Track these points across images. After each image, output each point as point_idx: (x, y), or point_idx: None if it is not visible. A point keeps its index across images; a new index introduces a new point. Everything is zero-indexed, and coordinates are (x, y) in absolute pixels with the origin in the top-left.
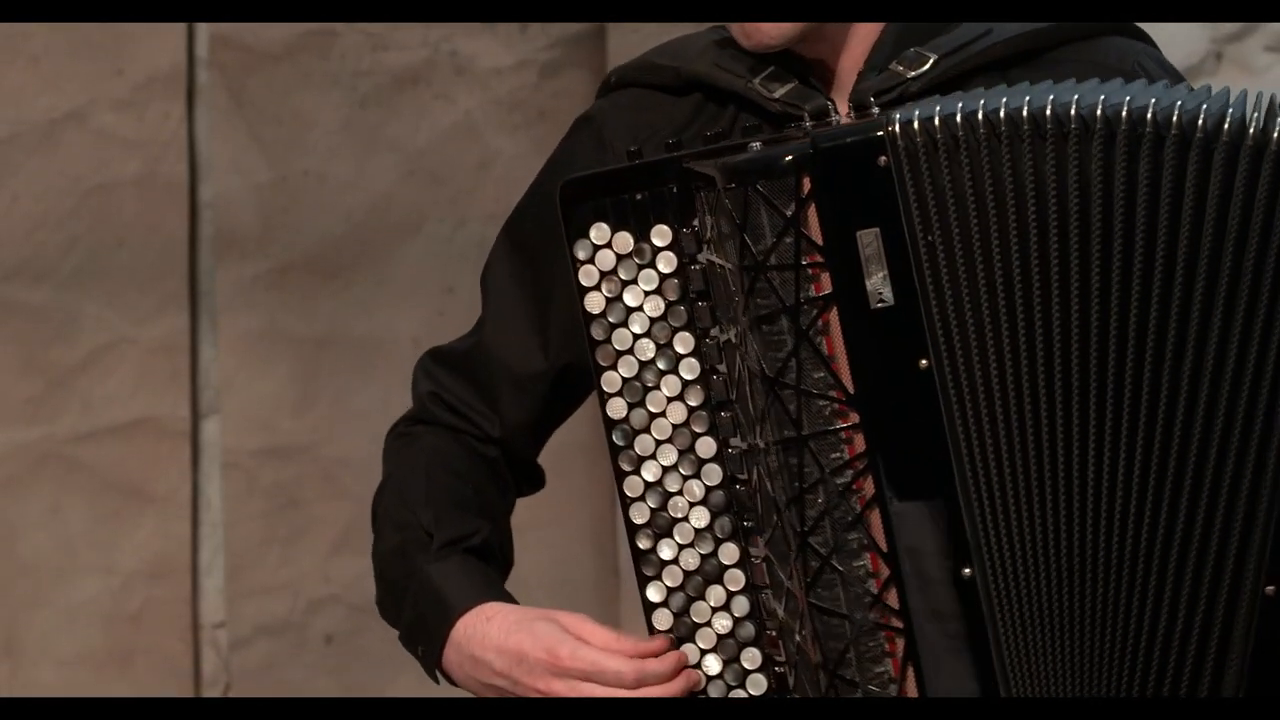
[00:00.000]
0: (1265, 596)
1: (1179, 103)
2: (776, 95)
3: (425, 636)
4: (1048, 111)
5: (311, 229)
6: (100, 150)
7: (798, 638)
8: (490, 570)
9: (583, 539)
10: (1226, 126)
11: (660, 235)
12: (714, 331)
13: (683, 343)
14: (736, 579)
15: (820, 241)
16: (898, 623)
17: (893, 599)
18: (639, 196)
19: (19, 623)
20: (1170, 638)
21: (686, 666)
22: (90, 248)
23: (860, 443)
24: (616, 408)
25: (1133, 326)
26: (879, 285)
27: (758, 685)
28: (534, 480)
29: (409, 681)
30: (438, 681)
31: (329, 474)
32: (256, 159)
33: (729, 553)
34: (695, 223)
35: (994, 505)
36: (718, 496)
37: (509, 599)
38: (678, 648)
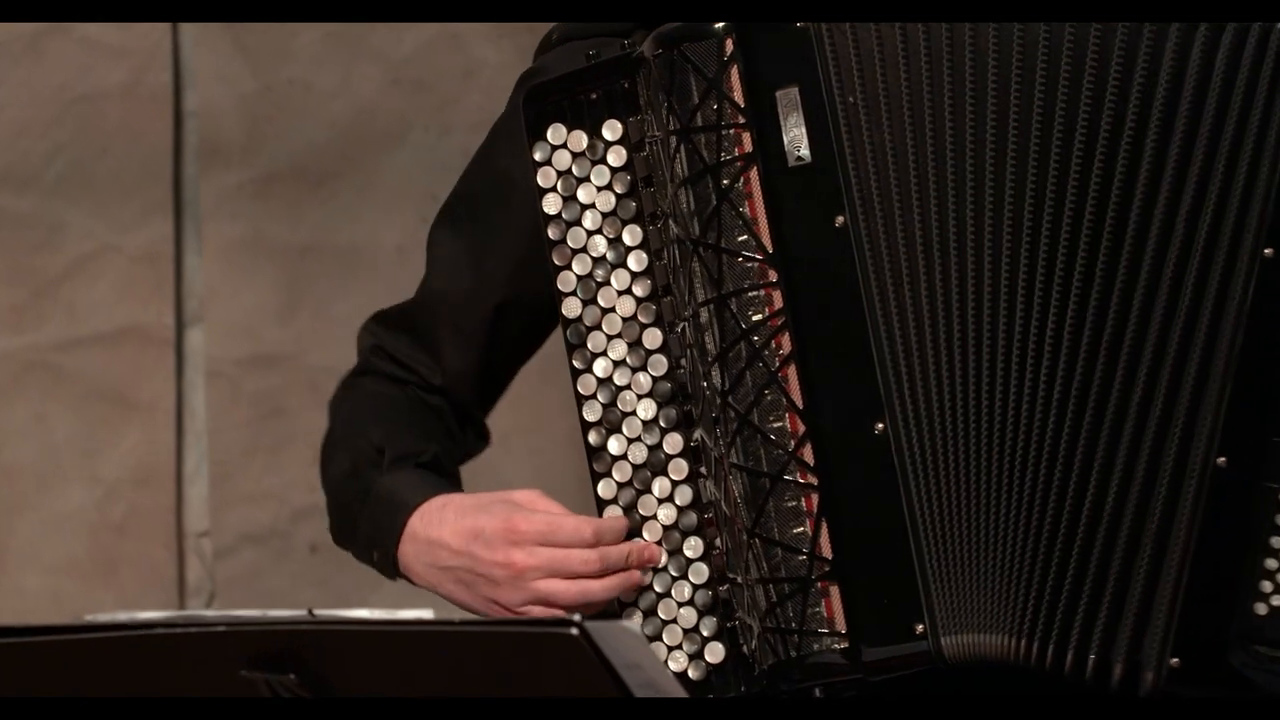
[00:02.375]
0: (1217, 467)
1: None
2: None
3: (380, 539)
4: None
5: (296, 138)
6: (85, 59)
7: (726, 507)
8: (443, 480)
9: (565, 447)
10: None
11: (611, 130)
12: (657, 214)
13: (631, 235)
14: (680, 468)
15: (742, 102)
16: (812, 479)
17: (808, 455)
18: (593, 96)
19: (3, 531)
20: (1082, 498)
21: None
22: (75, 156)
23: (779, 300)
24: (571, 306)
25: (1050, 187)
26: (796, 143)
27: (699, 574)
28: (480, 435)
29: (393, 590)
30: (394, 578)
31: (313, 382)
32: (241, 68)
33: (673, 442)
34: (641, 112)
35: (909, 362)
36: (663, 386)
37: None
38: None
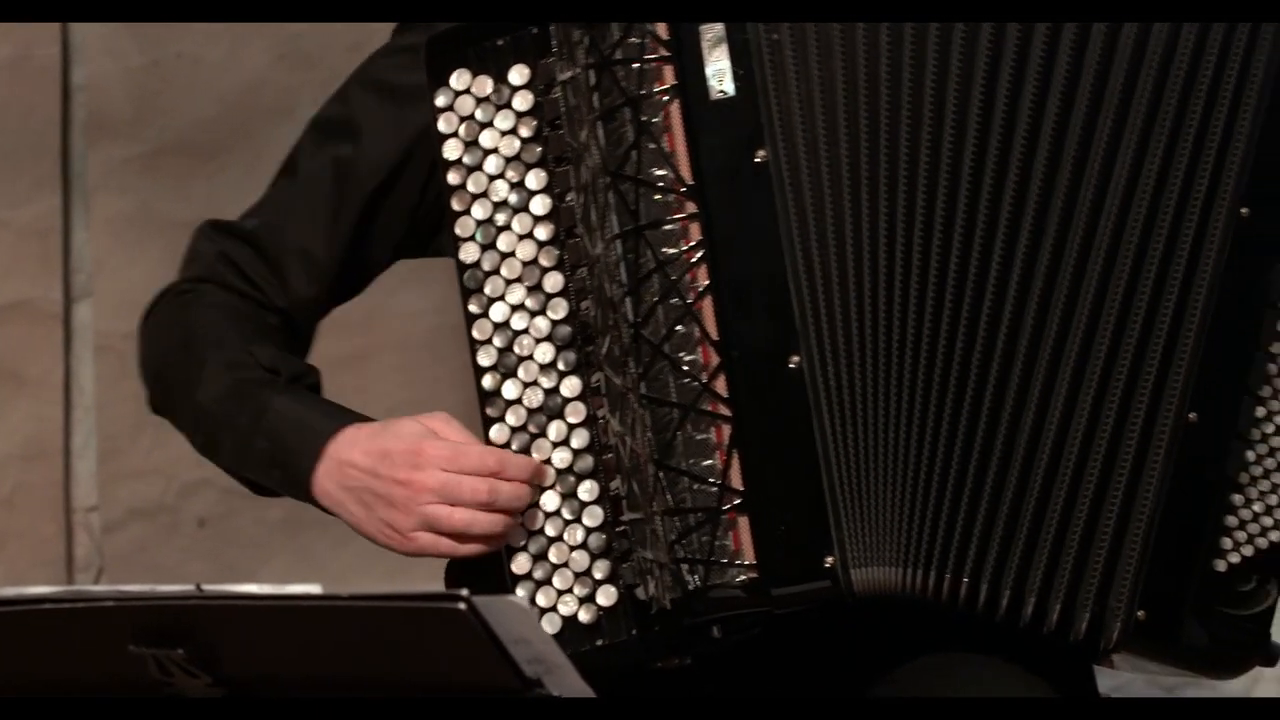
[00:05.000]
0: (1188, 422)
1: None
2: None
3: (287, 459)
4: None
5: (184, 112)
6: None
7: (631, 440)
8: (340, 406)
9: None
10: None
11: (519, 74)
12: (567, 155)
13: (536, 178)
14: (578, 411)
15: (665, 36)
16: (725, 410)
17: (721, 387)
18: (500, 42)
19: None
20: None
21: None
22: None
23: (696, 233)
24: (469, 251)
25: (998, 128)
26: (719, 76)
27: (594, 517)
28: (304, 355)
29: (282, 565)
30: (300, 497)
31: None
32: (129, 42)
33: (571, 386)
34: (553, 54)
35: (828, 297)
36: (563, 330)
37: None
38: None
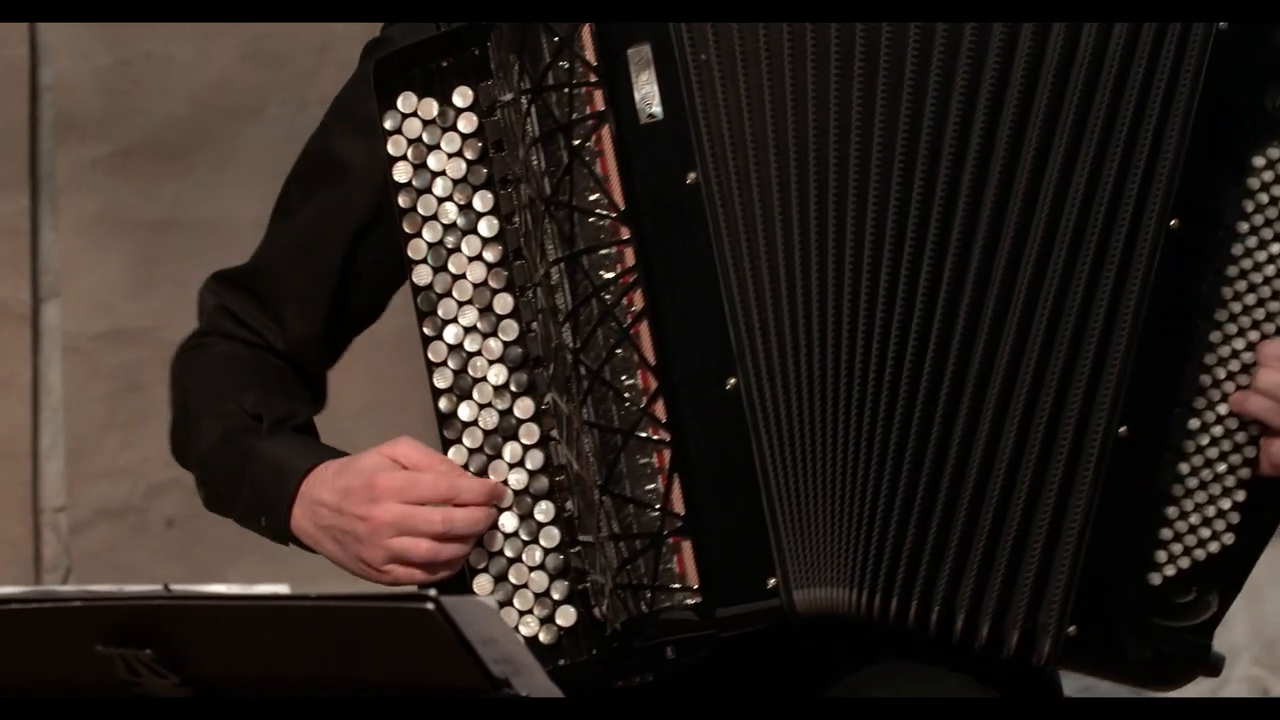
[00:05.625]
0: (1118, 436)
1: None
2: None
3: (268, 504)
4: None
5: (153, 112)
6: None
7: (578, 466)
8: (321, 444)
9: (423, 421)
10: None
11: (462, 96)
12: (510, 176)
13: (483, 200)
14: (531, 433)
15: (593, 60)
16: (664, 435)
17: (660, 411)
18: (444, 63)
19: None
20: (943, 459)
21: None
22: None
23: (631, 258)
24: (421, 274)
25: (924, 147)
26: (648, 100)
27: (550, 538)
28: (319, 397)
29: (250, 565)
30: (286, 543)
31: (169, 358)
32: (97, 42)
33: (524, 407)
34: (493, 77)
35: (763, 317)
36: (514, 351)
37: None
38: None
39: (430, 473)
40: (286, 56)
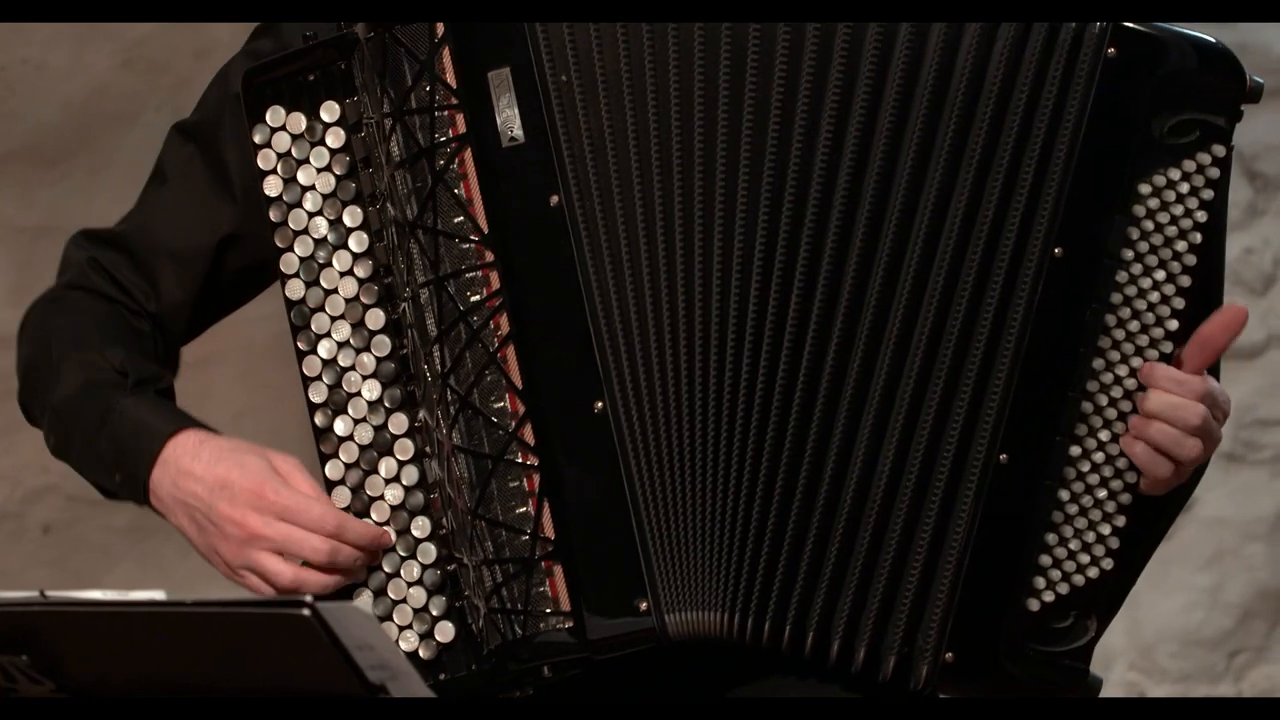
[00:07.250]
0: (998, 463)
1: None
2: None
3: (126, 461)
4: None
5: (29, 118)
6: None
7: (449, 488)
8: (184, 412)
9: (301, 427)
10: None
11: (329, 111)
12: (376, 195)
13: (352, 216)
14: (406, 448)
15: (454, 84)
16: (533, 459)
17: (529, 435)
18: (311, 77)
19: None
20: (796, 479)
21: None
22: None
23: (496, 281)
24: (294, 288)
25: (792, 171)
26: (510, 123)
27: (427, 554)
28: (174, 365)
29: (126, 571)
30: (139, 502)
31: None
32: None
33: (398, 423)
34: (358, 93)
35: (629, 340)
36: (387, 367)
37: (214, 432)
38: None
39: (320, 504)
40: (163, 62)
